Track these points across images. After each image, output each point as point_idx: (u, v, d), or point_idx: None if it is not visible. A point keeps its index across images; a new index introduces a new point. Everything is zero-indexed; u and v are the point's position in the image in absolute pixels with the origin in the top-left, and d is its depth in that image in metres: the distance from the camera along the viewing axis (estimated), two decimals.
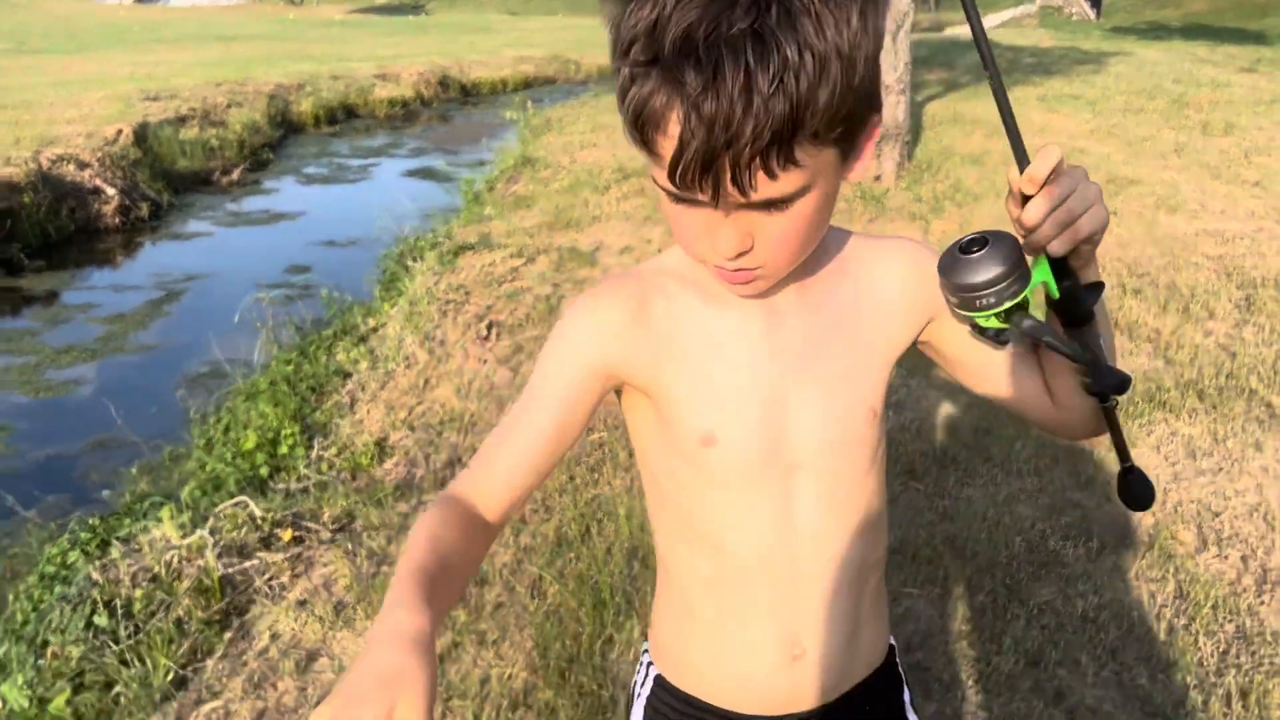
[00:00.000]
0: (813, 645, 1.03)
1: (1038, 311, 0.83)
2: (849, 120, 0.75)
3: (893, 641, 1.15)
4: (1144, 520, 2.90)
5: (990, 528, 2.87)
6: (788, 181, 0.76)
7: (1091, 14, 33.92)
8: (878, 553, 1.07)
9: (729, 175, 0.74)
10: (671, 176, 0.76)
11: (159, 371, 5.89)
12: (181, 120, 12.03)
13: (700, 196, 0.77)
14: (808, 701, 1.06)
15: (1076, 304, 0.82)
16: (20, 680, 2.73)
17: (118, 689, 2.52)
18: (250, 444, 4.04)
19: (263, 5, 48.35)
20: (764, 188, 0.76)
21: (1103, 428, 0.98)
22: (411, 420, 4.11)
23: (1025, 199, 0.80)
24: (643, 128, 0.76)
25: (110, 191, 9.28)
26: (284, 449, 4.04)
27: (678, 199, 0.81)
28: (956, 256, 0.80)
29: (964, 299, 0.80)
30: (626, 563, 2.77)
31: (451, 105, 18.03)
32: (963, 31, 30.22)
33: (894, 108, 7.38)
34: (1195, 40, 24.31)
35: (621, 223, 6.36)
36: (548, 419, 0.95)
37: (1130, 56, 17.84)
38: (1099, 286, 0.83)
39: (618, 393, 1.02)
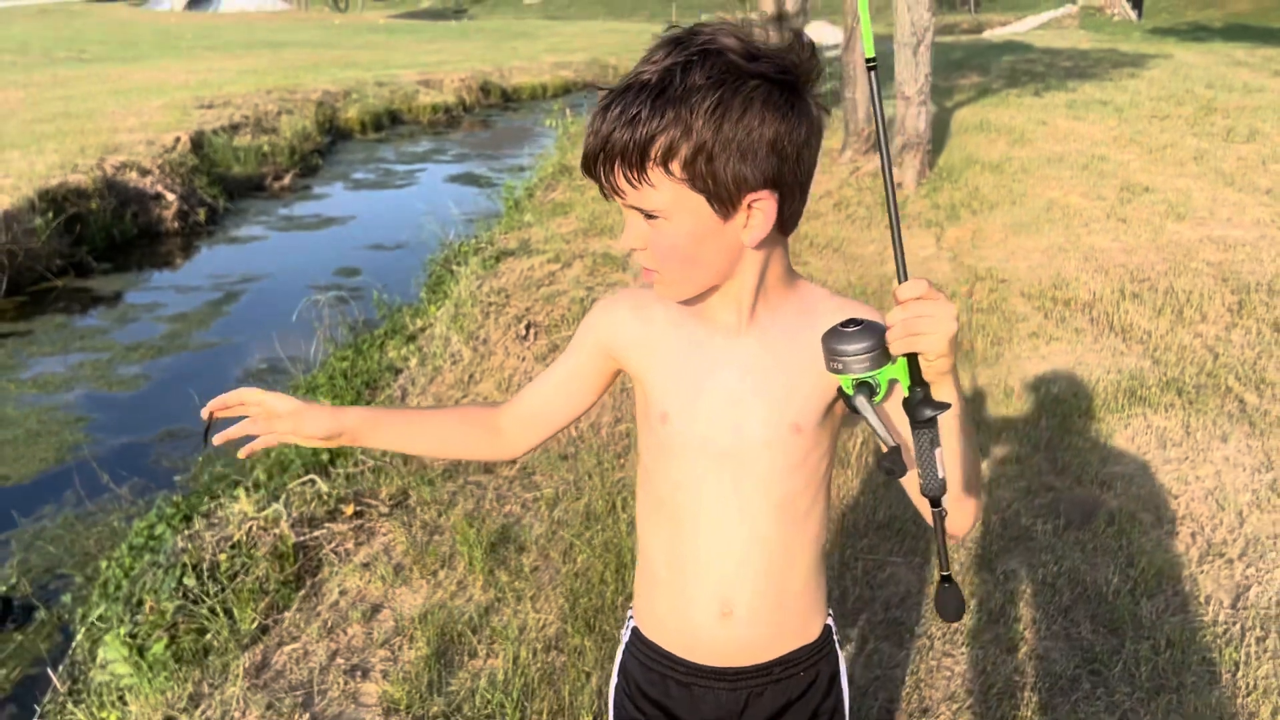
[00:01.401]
0: (740, 607, 1.26)
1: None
2: (704, 178, 1.06)
3: (830, 622, 1.36)
4: (1109, 503, 3.24)
5: None
6: (648, 196, 1.08)
7: (1133, 14, 33.67)
8: (805, 538, 1.28)
9: (603, 172, 1.10)
10: (582, 165, 1.13)
11: (221, 367, 6.34)
12: (235, 127, 12.59)
13: (608, 191, 1.12)
14: (740, 658, 1.29)
15: (915, 406, 1.00)
16: (121, 632, 3.16)
17: (209, 636, 2.95)
18: None
19: (308, 11, 49.32)
20: (631, 195, 1.09)
21: (962, 521, 1.20)
22: None
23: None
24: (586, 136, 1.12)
25: (170, 197, 9.81)
26: None
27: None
28: (836, 328, 1.03)
29: (828, 360, 1.03)
30: None
31: (493, 111, 18.52)
32: (1001, 34, 30.26)
33: (915, 118, 7.71)
34: (1235, 41, 24.17)
35: None
36: (562, 375, 1.35)
37: (1168, 60, 17.90)
38: (943, 405, 1.00)
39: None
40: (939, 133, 9.74)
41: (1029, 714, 2.37)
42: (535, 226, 6.93)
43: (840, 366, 1.03)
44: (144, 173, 9.82)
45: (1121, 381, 4.13)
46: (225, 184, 10.99)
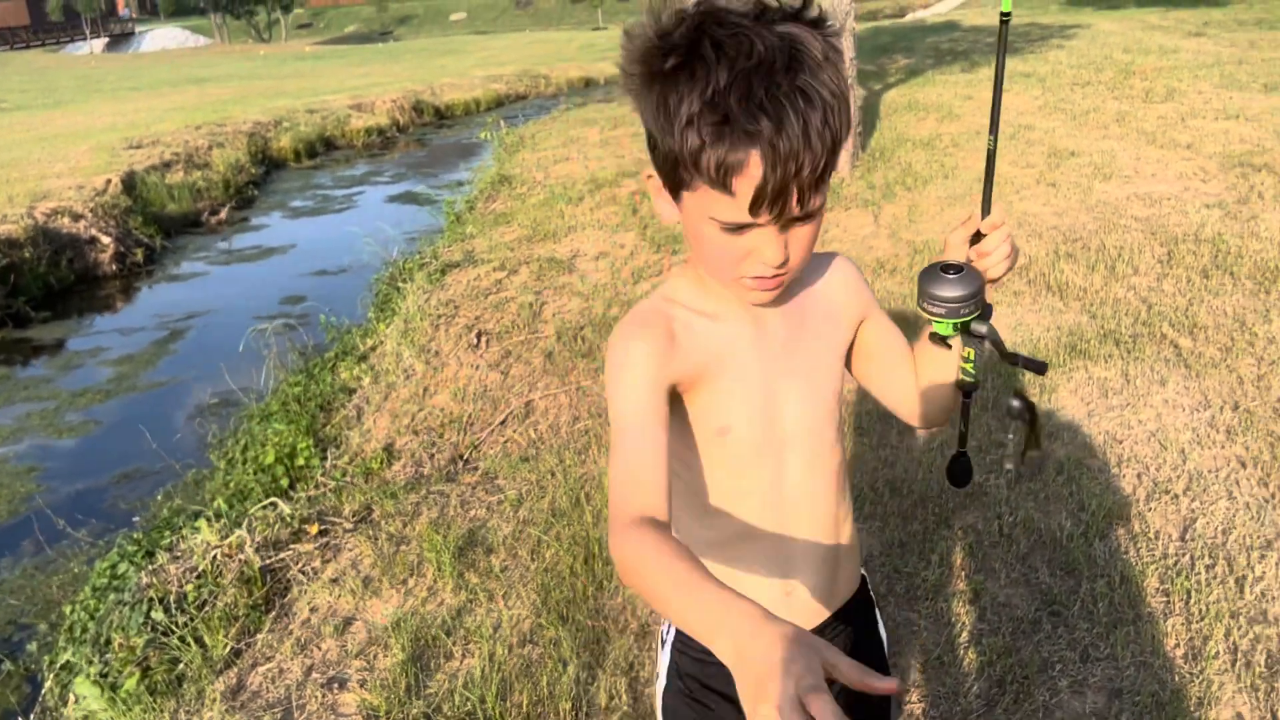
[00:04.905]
0: (800, 586, 1.26)
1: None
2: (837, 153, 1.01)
3: (864, 573, 1.40)
4: (1057, 453, 3.33)
5: (925, 469, 3.31)
6: (819, 196, 1.01)
7: None
8: (847, 505, 1.31)
9: (795, 197, 0.98)
10: (753, 208, 0.98)
11: (172, 405, 6.28)
12: (166, 165, 12.43)
13: (761, 220, 1.00)
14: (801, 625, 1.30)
15: (985, 318, 1.12)
16: (92, 672, 3.13)
17: (182, 666, 2.93)
18: (270, 458, 4.45)
19: (231, 44, 48.67)
20: (809, 204, 1.01)
21: (948, 418, 1.28)
22: (415, 425, 4.52)
23: (978, 237, 1.13)
24: (725, 176, 0.96)
25: (105, 240, 9.66)
26: (301, 460, 4.45)
27: (736, 229, 1.02)
28: (942, 276, 1.08)
29: (950, 308, 1.08)
30: None
31: (427, 129, 18.44)
32: (924, 15, 30.70)
33: None
34: (1149, 7, 24.82)
35: (596, 231, 6.78)
36: (658, 432, 1.08)
37: (1086, 29, 18.33)
38: (991, 308, 1.15)
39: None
40: (870, 115, 9.88)
41: (994, 658, 2.44)
42: (478, 237, 6.93)
43: (970, 309, 1.09)
44: (76, 217, 9.67)
45: (1061, 337, 4.24)
46: (161, 223, 10.86)
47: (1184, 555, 2.74)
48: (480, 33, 47.75)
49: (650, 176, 1.10)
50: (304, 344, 6.30)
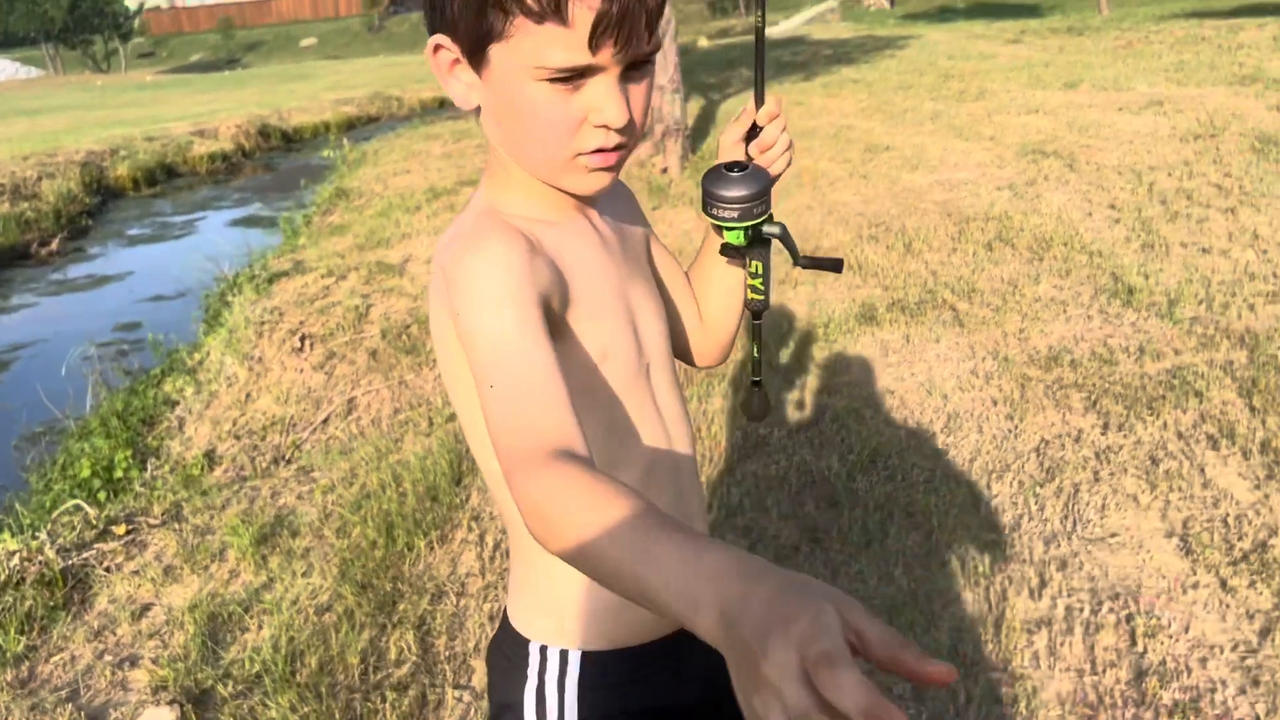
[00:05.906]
0: (698, 520, 1.09)
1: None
2: None
3: None
4: (835, 406, 3.59)
5: (710, 425, 3.51)
6: (657, 34, 0.87)
7: (886, 3, 36.16)
8: None
9: (642, 20, 0.83)
10: (594, 38, 0.82)
11: None
12: None
13: (603, 59, 0.83)
14: None
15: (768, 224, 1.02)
16: None
17: None
18: (85, 472, 4.37)
19: (67, 76, 46.58)
20: (651, 40, 0.86)
21: (730, 350, 1.19)
22: (236, 430, 4.51)
23: (755, 132, 1.03)
24: (559, 2, 0.80)
25: None
26: (119, 473, 4.38)
27: (571, 77, 0.85)
28: (725, 175, 0.97)
29: (743, 209, 0.96)
30: (419, 501, 3.29)
31: (275, 154, 18.09)
32: (771, 32, 31.76)
33: (671, 105, 8.10)
34: (977, 19, 26.34)
35: (431, 237, 6.85)
36: (547, 346, 0.85)
37: (918, 40, 19.33)
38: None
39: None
40: (706, 122, 10.24)
41: None
42: (310, 248, 6.92)
43: (759, 210, 0.98)
44: None
45: (854, 310, 4.54)
46: None
47: (933, 481, 3.01)
48: (332, 58, 46.92)
49: (438, 49, 0.90)
50: (133, 366, 6.18)
